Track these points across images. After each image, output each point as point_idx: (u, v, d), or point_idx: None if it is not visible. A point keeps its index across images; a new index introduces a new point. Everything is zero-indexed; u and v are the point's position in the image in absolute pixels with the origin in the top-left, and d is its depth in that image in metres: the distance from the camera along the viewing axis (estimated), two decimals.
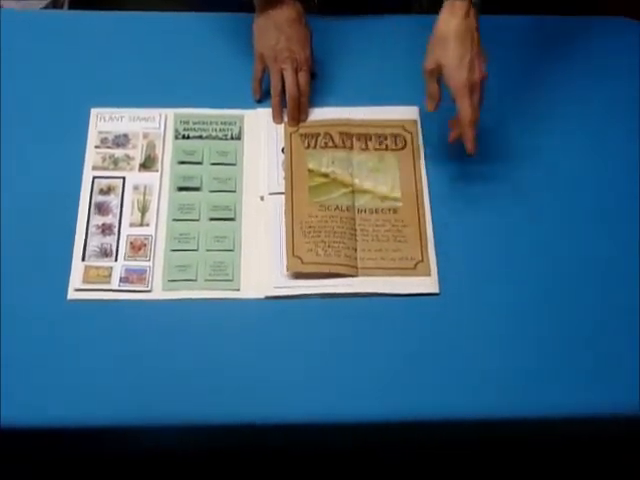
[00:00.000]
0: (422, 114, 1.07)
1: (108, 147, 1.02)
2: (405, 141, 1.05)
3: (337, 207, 0.99)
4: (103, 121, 1.04)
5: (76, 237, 0.96)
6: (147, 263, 0.95)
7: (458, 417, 0.88)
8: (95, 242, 0.96)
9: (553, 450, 1.01)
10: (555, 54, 1.14)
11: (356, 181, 1.01)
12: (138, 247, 0.96)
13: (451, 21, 0.91)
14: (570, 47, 1.15)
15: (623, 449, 1.02)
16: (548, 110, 1.09)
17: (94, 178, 1.00)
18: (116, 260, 0.95)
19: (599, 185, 1.04)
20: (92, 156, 1.01)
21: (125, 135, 1.03)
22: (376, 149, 1.04)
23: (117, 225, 0.97)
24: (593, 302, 0.95)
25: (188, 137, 1.04)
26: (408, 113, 1.07)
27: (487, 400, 0.88)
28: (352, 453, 1.00)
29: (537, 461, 1.06)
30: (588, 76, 1.13)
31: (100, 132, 1.03)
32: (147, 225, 0.97)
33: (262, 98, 1.07)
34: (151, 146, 1.03)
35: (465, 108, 0.91)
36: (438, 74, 0.93)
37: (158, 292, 0.93)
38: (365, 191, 1.01)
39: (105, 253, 0.95)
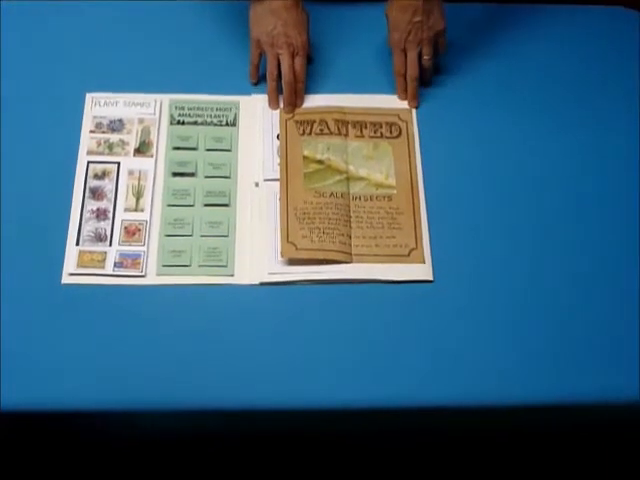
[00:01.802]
0: (417, 103, 1.07)
1: (103, 132, 1.02)
2: (400, 129, 1.05)
3: (332, 194, 0.99)
4: (98, 106, 1.04)
5: (70, 222, 0.96)
6: (141, 248, 0.95)
7: (452, 404, 0.88)
8: (89, 227, 0.95)
9: (550, 437, 1.02)
10: (552, 43, 1.15)
11: (351, 168, 1.02)
12: (132, 232, 0.96)
13: None
14: (567, 36, 1.15)
15: (622, 437, 1.02)
16: (544, 99, 1.09)
17: (89, 163, 1.00)
18: (110, 245, 0.95)
19: (598, 173, 1.04)
20: (87, 141, 1.01)
21: (120, 120, 1.03)
22: (371, 137, 1.04)
23: (112, 210, 0.97)
24: (590, 290, 0.95)
25: (183, 123, 1.04)
26: (403, 102, 1.07)
27: (481, 387, 0.88)
28: (344, 439, 1.00)
29: (533, 448, 1.06)
30: (585, 65, 1.13)
31: (95, 117, 1.03)
32: (142, 210, 0.97)
33: (258, 82, 1.07)
34: (146, 131, 1.02)
35: (395, 62, 1.06)
36: None
37: (152, 277, 0.93)
38: (360, 178, 1.01)
39: (99, 238, 0.95)
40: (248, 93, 1.07)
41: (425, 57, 1.05)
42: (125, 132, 1.02)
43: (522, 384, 0.89)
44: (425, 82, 1.08)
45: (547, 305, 0.94)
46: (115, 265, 0.93)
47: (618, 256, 0.97)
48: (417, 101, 1.07)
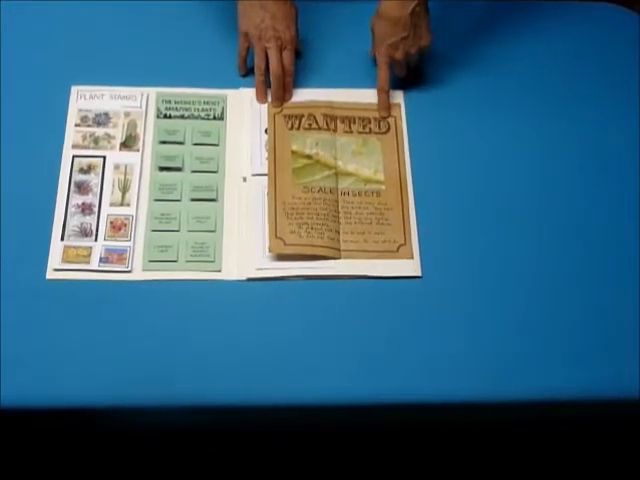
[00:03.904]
0: (406, 98, 1.07)
1: (88, 125, 1.01)
2: (389, 125, 1.05)
3: (320, 189, 0.98)
4: (83, 99, 1.02)
5: (55, 216, 0.95)
6: (127, 243, 0.94)
7: (440, 400, 0.88)
8: (75, 222, 0.94)
9: (535, 434, 1.02)
10: (545, 39, 1.14)
11: (339, 163, 1.01)
12: (118, 227, 0.95)
13: (388, 4, 1.00)
14: (561, 33, 1.15)
15: (620, 434, 1.03)
16: (534, 96, 1.09)
17: (74, 157, 0.98)
18: (96, 240, 0.94)
19: (589, 168, 1.04)
20: (72, 134, 1.00)
21: (106, 113, 1.02)
22: (360, 132, 1.04)
23: (97, 205, 0.96)
24: (583, 282, 0.95)
25: (170, 116, 1.03)
26: (392, 97, 1.07)
27: (470, 383, 0.88)
28: (332, 434, 1.00)
29: (517, 445, 1.07)
30: (579, 62, 1.13)
31: (80, 110, 1.02)
32: (128, 205, 0.96)
33: (247, 74, 1.06)
34: (132, 125, 1.01)
35: (379, 77, 1.04)
36: None
37: (138, 273, 0.92)
38: (348, 173, 1.01)
39: (85, 233, 0.94)
40: (236, 87, 1.06)
41: (404, 71, 1.05)
42: (111, 126, 1.01)
43: (512, 379, 0.89)
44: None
45: (538, 300, 0.94)
46: (101, 260, 0.92)
47: (614, 250, 0.98)
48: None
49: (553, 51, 1.14)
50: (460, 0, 1.16)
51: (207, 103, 1.04)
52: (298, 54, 1.07)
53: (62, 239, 0.93)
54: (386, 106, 1.05)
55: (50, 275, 0.91)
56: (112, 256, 0.93)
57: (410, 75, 1.07)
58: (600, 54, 1.14)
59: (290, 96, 1.05)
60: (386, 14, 1.00)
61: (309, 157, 1.01)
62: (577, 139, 1.06)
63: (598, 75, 1.12)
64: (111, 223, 0.95)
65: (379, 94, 1.05)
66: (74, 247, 0.93)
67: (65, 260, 0.92)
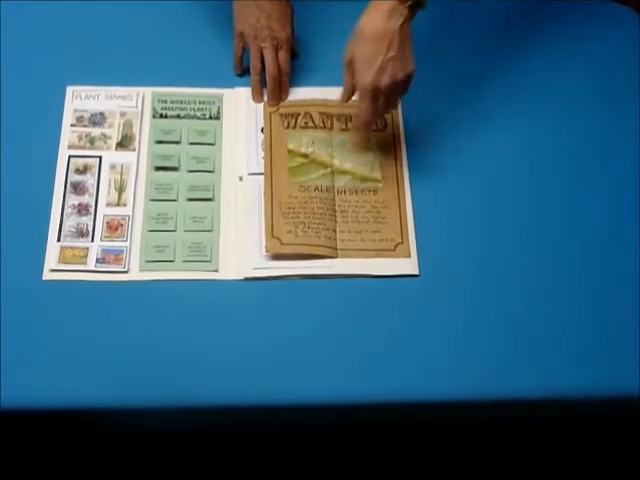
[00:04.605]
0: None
1: (84, 126, 1.00)
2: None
3: (317, 188, 0.98)
4: (79, 99, 1.02)
5: (51, 217, 0.94)
6: (124, 243, 0.93)
7: (439, 399, 0.88)
8: (71, 222, 0.94)
9: (535, 432, 1.02)
10: (540, 39, 1.14)
11: (336, 162, 1.01)
12: (115, 227, 0.94)
13: (371, 18, 0.87)
14: (555, 33, 1.15)
15: (619, 433, 1.02)
16: (533, 93, 1.09)
17: (70, 157, 0.98)
18: (92, 240, 0.93)
19: (586, 168, 1.03)
20: (68, 134, 1.00)
21: (101, 113, 1.01)
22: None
23: (93, 205, 0.96)
24: (578, 281, 0.95)
25: (166, 116, 1.03)
26: None
27: (468, 382, 0.88)
28: (331, 433, 1.00)
29: (516, 443, 1.06)
30: (574, 62, 1.12)
31: (76, 110, 1.01)
32: (124, 205, 0.96)
33: (243, 74, 1.06)
34: (128, 125, 1.01)
35: (362, 109, 0.91)
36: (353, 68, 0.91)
37: (135, 273, 0.92)
38: (345, 172, 1.00)
39: (81, 233, 0.94)
40: (231, 86, 1.06)
41: (390, 109, 0.95)
42: (107, 126, 1.01)
43: (511, 378, 0.89)
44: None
45: (537, 299, 0.94)
46: (97, 261, 0.92)
47: (614, 250, 0.97)
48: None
49: (552, 50, 1.13)
50: (459, 0, 1.15)
51: (203, 102, 1.04)
52: (294, 54, 1.06)
53: (58, 240, 0.93)
54: (366, 144, 0.96)
55: (47, 276, 0.91)
56: (109, 256, 0.92)
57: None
58: (600, 53, 1.14)
59: (286, 95, 1.05)
60: (369, 29, 0.86)
61: (305, 156, 1.01)
62: (576, 138, 1.06)
63: (597, 74, 1.11)
64: (107, 223, 0.95)
65: (361, 129, 0.93)
66: (70, 248, 0.93)
67: (62, 261, 0.92)
